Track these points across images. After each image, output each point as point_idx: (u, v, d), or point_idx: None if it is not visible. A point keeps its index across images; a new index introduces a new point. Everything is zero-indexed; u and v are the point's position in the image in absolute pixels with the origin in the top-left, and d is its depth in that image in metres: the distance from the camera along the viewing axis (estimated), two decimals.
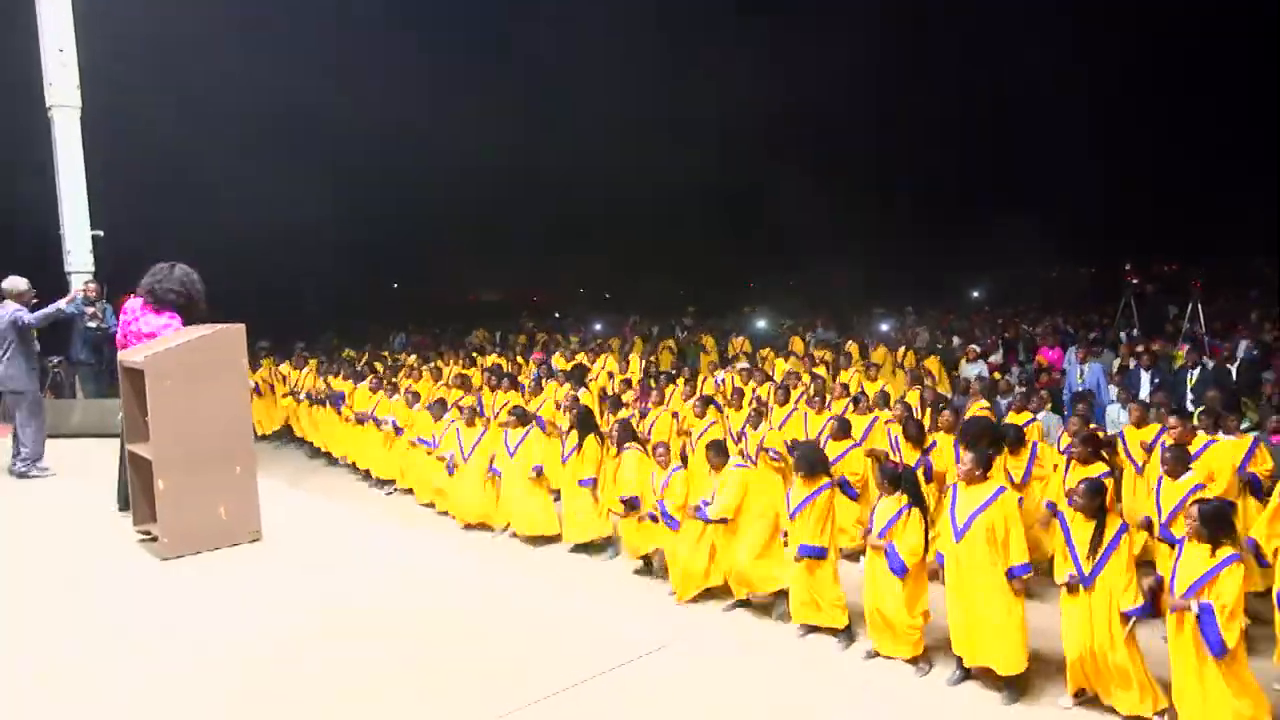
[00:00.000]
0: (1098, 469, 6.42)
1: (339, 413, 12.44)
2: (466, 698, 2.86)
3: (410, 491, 10.97)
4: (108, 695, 2.98)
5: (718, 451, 7.15)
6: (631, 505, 7.77)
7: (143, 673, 3.13)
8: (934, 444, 7.89)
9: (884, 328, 18.15)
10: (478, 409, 10.26)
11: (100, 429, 7.65)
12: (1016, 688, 5.54)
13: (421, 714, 2.79)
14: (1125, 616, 4.98)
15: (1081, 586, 5.12)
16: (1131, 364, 10.83)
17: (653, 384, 11.41)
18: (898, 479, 6.06)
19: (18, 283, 6.59)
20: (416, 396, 11.03)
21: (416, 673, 3.04)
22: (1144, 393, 9.52)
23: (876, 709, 5.56)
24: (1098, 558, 5.08)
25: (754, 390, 10.71)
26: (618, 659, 3.07)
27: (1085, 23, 28.32)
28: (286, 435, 14.57)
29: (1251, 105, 26.65)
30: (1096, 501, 5.20)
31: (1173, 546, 5.46)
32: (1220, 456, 6.72)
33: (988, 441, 6.79)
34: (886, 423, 8.63)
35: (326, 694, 2.93)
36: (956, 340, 15.35)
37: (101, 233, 9.63)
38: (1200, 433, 7.02)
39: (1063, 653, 5.40)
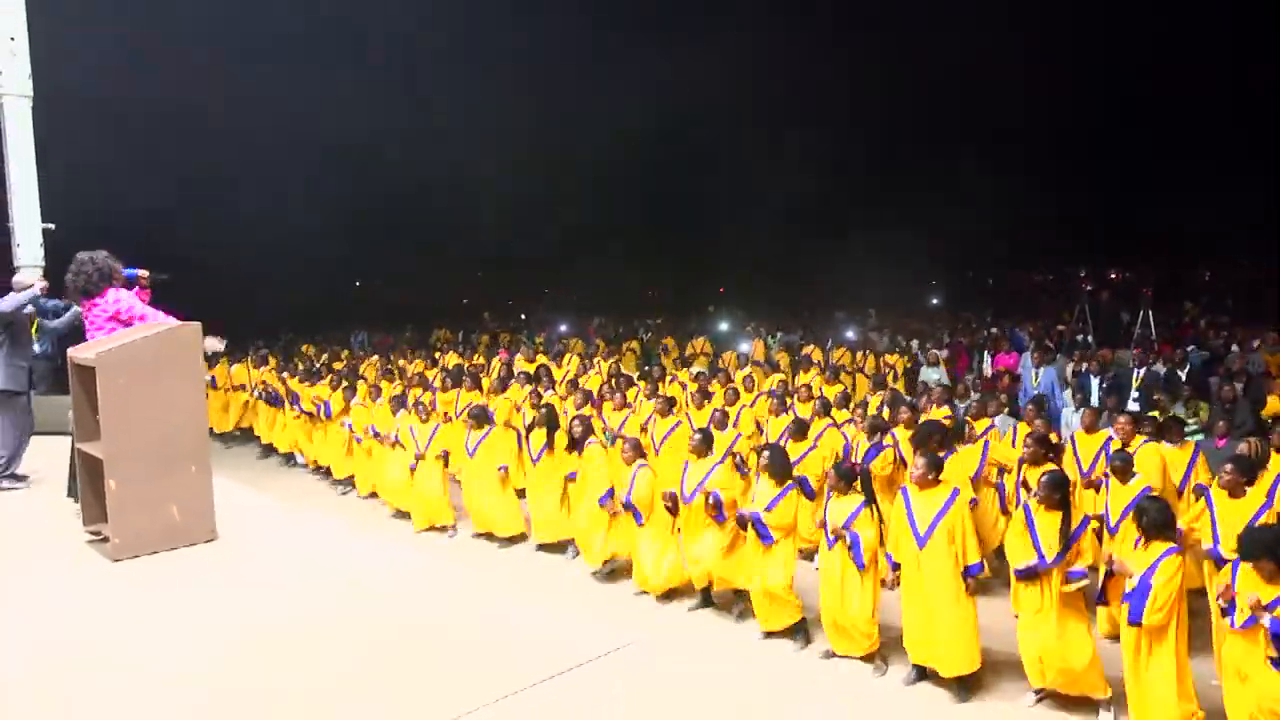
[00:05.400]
0: (1049, 469, 6.58)
1: (294, 410, 12.23)
2: (421, 700, 2.84)
3: (374, 495, 10.86)
4: (55, 701, 2.91)
5: (704, 440, 7.19)
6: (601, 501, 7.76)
7: (93, 677, 3.06)
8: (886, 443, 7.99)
9: (849, 334, 18.34)
10: (432, 405, 10.17)
11: (50, 426, 7.45)
12: (969, 686, 5.66)
13: (374, 716, 2.77)
14: (1068, 578, 5.18)
15: (1040, 570, 5.23)
16: (1083, 368, 11.12)
17: (614, 385, 11.41)
18: (854, 477, 6.16)
19: (24, 280, 6.36)
20: (378, 391, 10.89)
21: (371, 675, 3.02)
22: (1094, 397, 9.76)
23: (834, 709, 5.68)
24: (1061, 547, 5.20)
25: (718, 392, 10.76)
26: (576, 660, 3.07)
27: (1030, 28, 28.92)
28: (245, 435, 14.33)
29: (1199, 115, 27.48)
30: (1058, 494, 5.35)
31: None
32: (1148, 460, 6.93)
33: (937, 442, 6.93)
34: (843, 425, 8.75)
35: (279, 697, 2.90)
36: (915, 344, 15.60)
37: (53, 225, 9.37)
38: (1140, 435, 7.21)
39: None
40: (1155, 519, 4.86)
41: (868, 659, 6.09)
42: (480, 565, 8.55)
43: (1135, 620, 4.71)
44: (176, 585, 3.91)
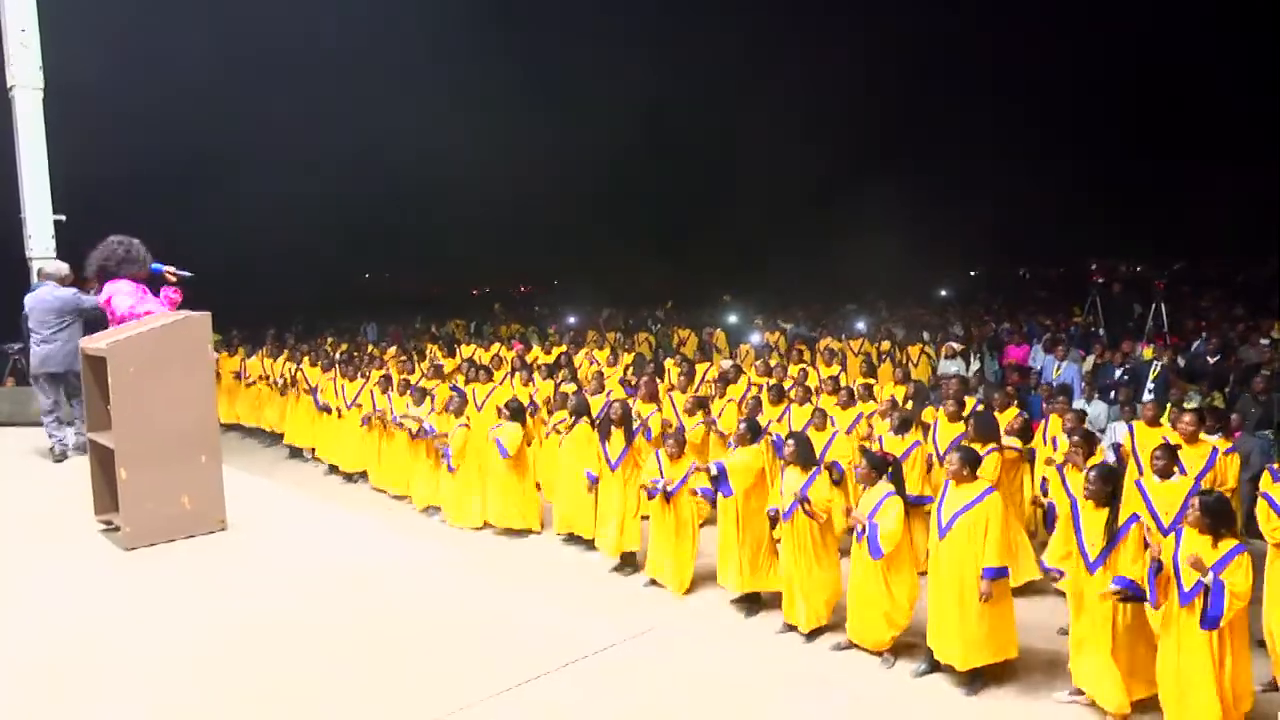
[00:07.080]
0: (1095, 461, 6.45)
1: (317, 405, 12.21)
2: (431, 689, 2.82)
3: (384, 491, 10.89)
4: (65, 690, 2.91)
5: (751, 430, 7.14)
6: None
7: (102, 666, 3.06)
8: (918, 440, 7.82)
9: (859, 325, 18.22)
10: (462, 401, 10.07)
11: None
12: (978, 682, 5.63)
13: (377, 708, 2.76)
14: (1119, 589, 5.00)
15: (1088, 572, 5.12)
16: (1105, 361, 11.04)
17: (643, 381, 11.21)
18: (883, 467, 6.12)
19: (61, 266, 6.49)
20: (408, 385, 10.83)
21: (381, 664, 3.01)
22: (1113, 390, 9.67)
23: (842, 701, 5.65)
24: (1105, 544, 5.09)
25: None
26: (580, 652, 3.05)
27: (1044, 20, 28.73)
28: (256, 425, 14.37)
29: (1210, 106, 27.28)
30: (1109, 488, 5.20)
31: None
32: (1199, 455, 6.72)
33: (998, 437, 6.90)
34: (870, 416, 8.70)
35: (288, 686, 2.89)
36: (927, 335, 15.48)
37: (64, 217, 9.40)
38: (1204, 434, 6.93)
39: (1051, 646, 5.58)
40: (1217, 513, 4.74)
41: (878, 654, 6.07)
42: (492, 556, 8.57)
43: (1213, 625, 4.55)
44: (187, 574, 3.91)
